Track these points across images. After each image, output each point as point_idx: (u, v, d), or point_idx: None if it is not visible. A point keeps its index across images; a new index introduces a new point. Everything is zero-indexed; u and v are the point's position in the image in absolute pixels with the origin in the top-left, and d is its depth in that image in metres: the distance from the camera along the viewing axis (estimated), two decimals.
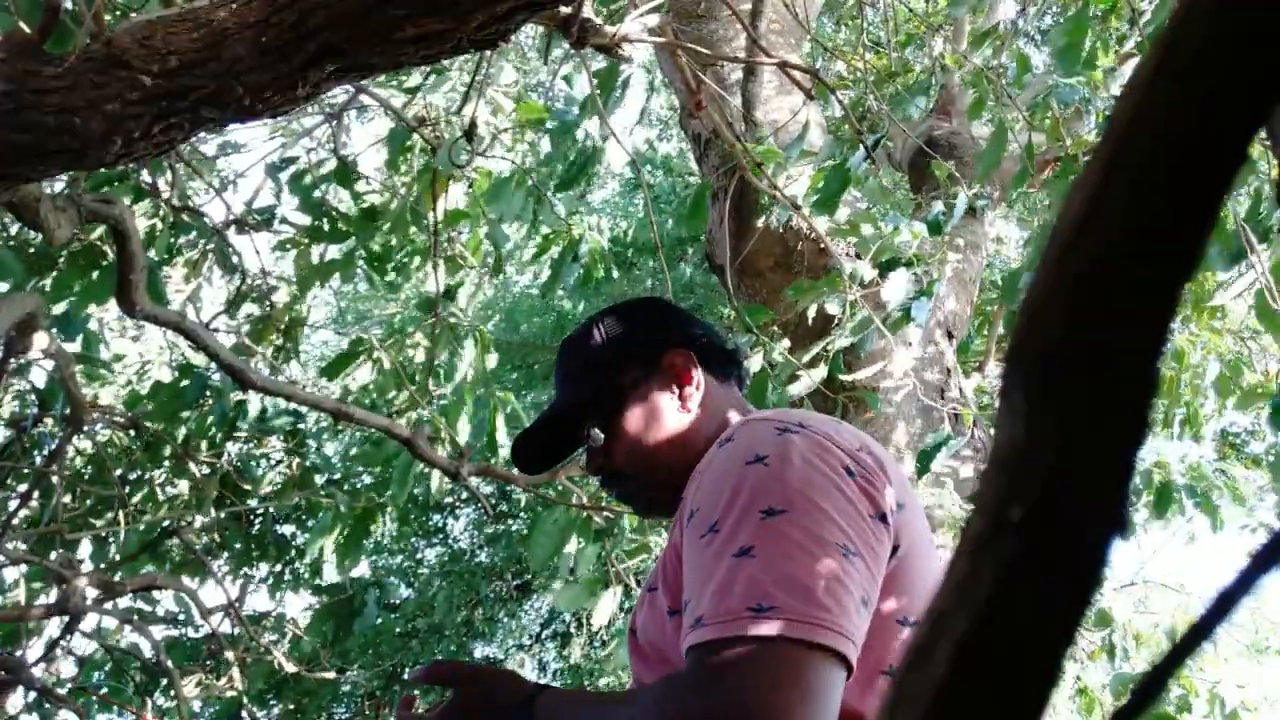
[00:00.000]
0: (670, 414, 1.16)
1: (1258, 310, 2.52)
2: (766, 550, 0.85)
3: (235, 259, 3.54)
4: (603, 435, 1.17)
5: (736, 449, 0.95)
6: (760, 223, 3.26)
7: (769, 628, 0.80)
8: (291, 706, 6.75)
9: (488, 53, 2.66)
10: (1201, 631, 0.25)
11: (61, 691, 3.41)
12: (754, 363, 2.75)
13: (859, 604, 0.85)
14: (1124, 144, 0.26)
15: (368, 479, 4.56)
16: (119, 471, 3.84)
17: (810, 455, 0.92)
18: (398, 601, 8.79)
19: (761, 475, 0.90)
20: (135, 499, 3.98)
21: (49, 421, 3.69)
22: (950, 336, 3.57)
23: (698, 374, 1.18)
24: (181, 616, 4.52)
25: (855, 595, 0.85)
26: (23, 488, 3.72)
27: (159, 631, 4.36)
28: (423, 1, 1.29)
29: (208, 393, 3.55)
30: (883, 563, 0.91)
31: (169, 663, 3.53)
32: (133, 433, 3.75)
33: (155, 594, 4.11)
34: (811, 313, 2.93)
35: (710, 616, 0.83)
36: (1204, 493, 3.16)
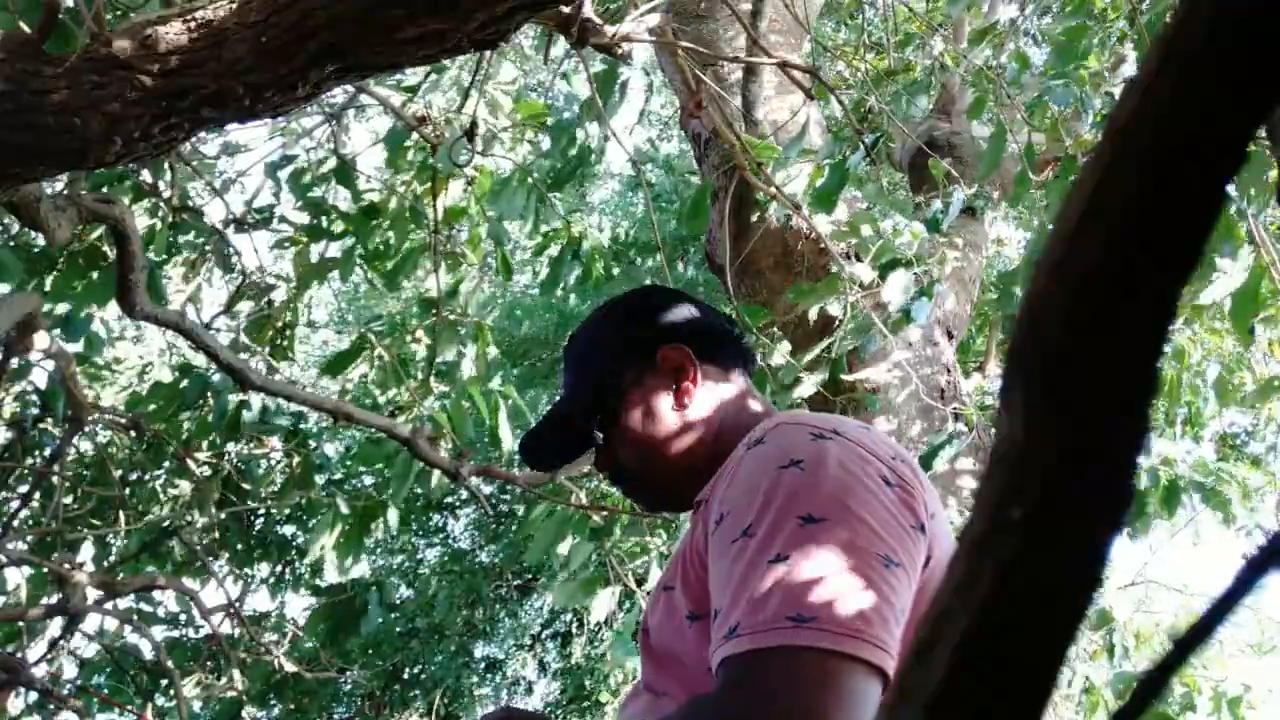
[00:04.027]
0: (667, 411, 1.13)
1: (1232, 313, 2.50)
2: (804, 559, 0.82)
3: (235, 258, 3.54)
4: (601, 435, 1.15)
5: (769, 452, 0.93)
6: (757, 218, 3.26)
7: (807, 638, 0.78)
8: (291, 706, 6.74)
9: (488, 52, 2.66)
10: (1202, 632, 0.25)
11: (62, 691, 3.41)
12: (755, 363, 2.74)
13: (897, 615, 0.83)
14: (1124, 144, 0.26)
15: (368, 479, 4.57)
16: (120, 472, 3.84)
17: (847, 463, 0.90)
18: (399, 601, 8.80)
19: (797, 481, 0.88)
20: (136, 499, 3.98)
21: (50, 422, 3.69)
22: (950, 336, 3.57)
23: (695, 369, 1.14)
24: (182, 617, 4.53)
25: (895, 607, 0.83)
26: (24, 488, 3.72)
27: (159, 632, 4.37)
28: (423, 1, 1.29)
29: (208, 393, 3.55)
30: (919, 573, 0.89)
31: (169, 663, 3.53)
32: (133, 433, 3.76)
33: (156, 594, 4.11)
34: (813, 314, 2.93)
35: (746, 627, 0.81)
36: (1213, 489, 3.14)
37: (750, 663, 0.79)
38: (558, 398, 1.25)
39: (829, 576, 0.81)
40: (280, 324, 3.64)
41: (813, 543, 0.83)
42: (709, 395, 1.15)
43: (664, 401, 1.14)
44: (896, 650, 0.82)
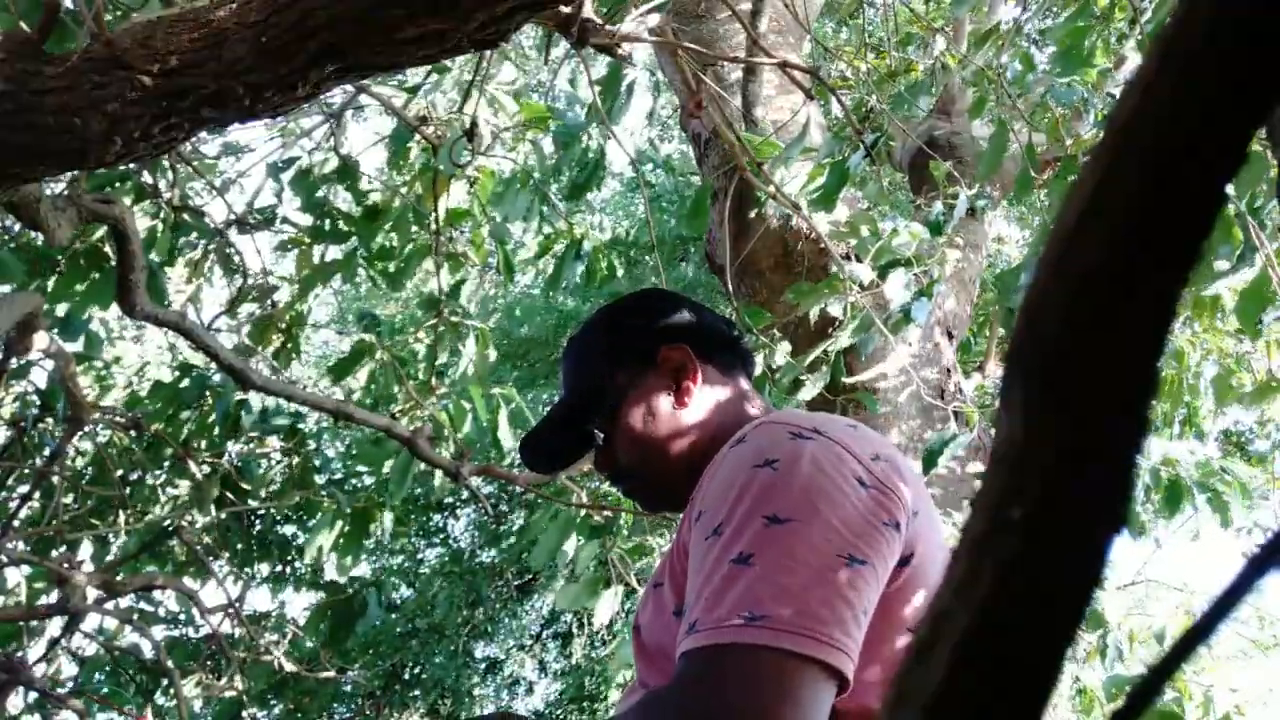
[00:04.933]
0: (667, 411, 1.14)
1: (1239, 310, 2.50)
2: (765, 559, 0.84)
3: (236, 259, 3.54)
4: (601, 435, 1.16)
5: (746, 450, 0.94)
6: (754, 215, 3.26)
7: (758, 637, 0.79)
8: (291, 706, 6.75)
9: (488, 52, 2.66)
10: (1200, 633, 0.25)
11: (61, 691, 3.41)
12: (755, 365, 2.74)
13: (858, 615, 0.84)
14: (1124, 144, 0.26)
15: (368, 479, 4.57)
16: (120, 472, 3.84)
17: (821, 462, 0.90)
18: (398, 601, 8.80)
19: (768, 480, 0.89)
20: (136, 499, 3.98)
21: (50, 422, 3.69)
22: (950, 336, 3.57)
23: (695, 368, 1.16)
24: (182, 617, 4.53)
25: (856, 607, 0.84)
26: (24, 488, 3.72)
27: (160, 631, 4.37)
28: (423, 1, 1.29)
29: (208, 393, 3.55)
30: (889, 571, 0.90)
31: (169, 663, 3.53)
32: (133, 433, 3.76)
33: (156, 594, 4.11)
34: (813, 315, 2.93)
35: (703, 623, 0.83)
36: (1214, 489, 3.14)
37: (706, 659, 0.81)
38: (558, 399, 1.26)
39: (787, 576, 0.82)
40: (284, 325, 3.63)
41: (776, 543, 0.84)
42: (709, 395, 1.16)
43: (664, 401, 1.15)
44: (856, 649, 0.83)
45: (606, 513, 3.14)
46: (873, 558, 0.87)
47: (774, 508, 0.87)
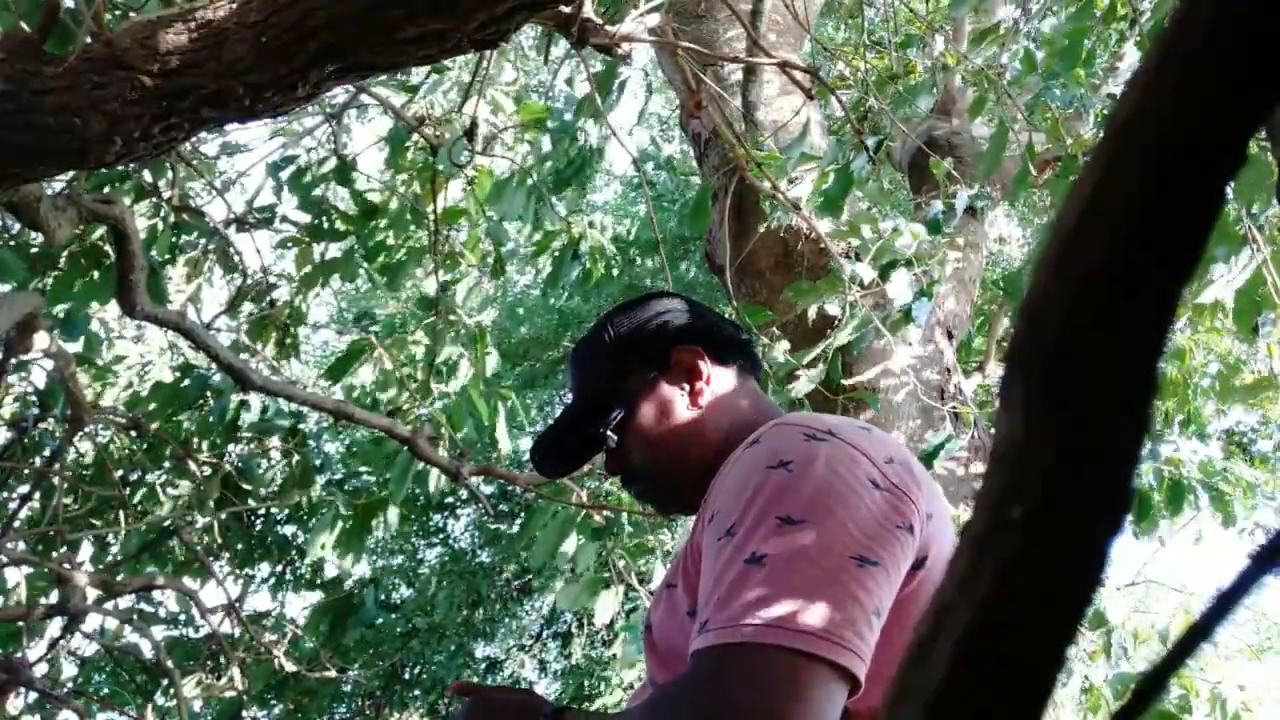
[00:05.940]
0: (681, 411, 1.15)
1: (1235, 311, 2.50)
2: (778, 559, 0.84)
3: (236, 258, 3.55)
4: (615, 437, 1.16)
5: (760, 451, 0.94)
6: (763, 226, 3.26)
7: (769, 637, 0.79)
8: (292, 706, 6.75)
9: (488, 52, 2.66)
10: (1201, 632, 0.25)
11: (61, 691, 3.41)
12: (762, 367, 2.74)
13: (870, 616, 0.84)
14: (1124, 144, 0.26)
15: (369, 479, 4.58)
16: (120, 472, 3.84)
17: (835, 465, 0.90)
18: (398, 601, 8.80)
19: (782, 481, 0.89)
20: (136, 499, 3.98)
21: (50, 422, 3.69)
22: (950, 336, 3.57)
23: (708, 369, 1.16)
24: (182, 617, 4.53)
25: (868, 608, 0.84)
26: (24, 488, 3.72)
27: (160, 631, 4.37)
28: (423, 1, 1.29)
29: (208, 393, 3.55)
30: (902, 574, 0.90)
31: (169, 663, 3.52)
32: (133, 433, 3.75)
33: (156, 594, 4.11)
34: (812, 314, 2.93)
35: (714, 623, 0.83)
36: (1216, 488, 3.13)
37: (717, 658, 0.81)
38: (568, 402, 1.26)
39: (799, 577, 0.82)
40: (283, 323, 3.63)
41: (788, 544, 0.84)
42: (721, 396, 1.16)
43: (678, 401, 1.15)
44: (868, 650, 0.83)
45: (607, 513, 3.14)
46: (885, 559, 0.87)
47: (787, 509, 0.87)
